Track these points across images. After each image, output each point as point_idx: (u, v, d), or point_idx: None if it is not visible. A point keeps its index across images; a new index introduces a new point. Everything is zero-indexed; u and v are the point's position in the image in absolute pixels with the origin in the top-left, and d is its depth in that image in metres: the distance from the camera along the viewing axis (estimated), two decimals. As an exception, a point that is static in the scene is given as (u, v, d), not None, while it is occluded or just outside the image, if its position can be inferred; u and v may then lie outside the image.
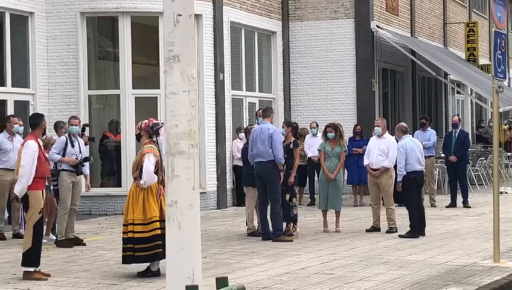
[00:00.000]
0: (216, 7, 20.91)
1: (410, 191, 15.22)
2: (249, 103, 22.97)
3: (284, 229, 14.80)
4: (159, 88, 18.60)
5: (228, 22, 21.57)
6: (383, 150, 15.70)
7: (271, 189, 14.58)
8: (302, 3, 24.93)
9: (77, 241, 14.12)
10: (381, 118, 17.36)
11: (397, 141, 15.74)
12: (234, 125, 21.62)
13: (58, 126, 15.47)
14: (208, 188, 20.43)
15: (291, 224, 15.08)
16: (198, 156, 7.50)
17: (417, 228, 15.03)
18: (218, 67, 20.87)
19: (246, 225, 15.50)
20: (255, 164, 14.64)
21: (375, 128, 15.97)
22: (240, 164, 17.97)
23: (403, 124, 16.25)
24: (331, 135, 15.98)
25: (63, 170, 13.94)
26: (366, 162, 15.98)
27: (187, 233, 7.07)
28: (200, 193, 19.68)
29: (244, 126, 20.78)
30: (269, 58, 24.40)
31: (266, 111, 15.22)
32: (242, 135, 20.46)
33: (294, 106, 24.89)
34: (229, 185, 21.23)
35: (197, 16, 20.07)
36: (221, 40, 21.05)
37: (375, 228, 15.74)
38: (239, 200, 20.44)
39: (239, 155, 19.32)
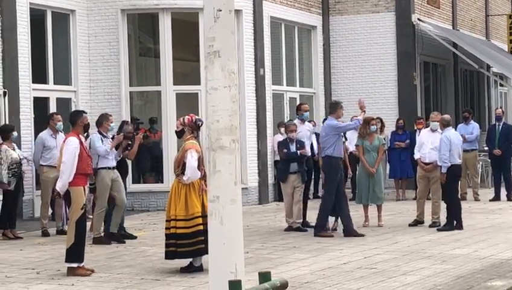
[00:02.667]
0: (256, 2, 20.90)
1: (451, 183, 15.16)
2: (289, 97, 22.94)
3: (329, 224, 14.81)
4: (199, 84, 18.62)
5: (268, 17, 21.55)
6: (437, 145, 15.62)
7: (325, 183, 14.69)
8: (342, -4, 24.85)
9: (129, 236, 14.22)
10: (438, 113, 17.10)
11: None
12: (275, 121, 21.60)
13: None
14: (250, 183, 20.44)
15: (334, 218, 15.02)
16: (240, 151, 7.50)
17: (456, 221, 14.99)
18: (259, 63, 20.87)
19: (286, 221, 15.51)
20: None
21: (432, 122, 15.83)
22: (281, 158, 17.96)
23: (446, 116, 16.17)
24: (373, 127, 15.95)
25: (102, 168, 13.90)
26: (417, 155, 15.85)
27: (229, 228, 7.06)
28: (242, 188, 19.54)
29: (285, 121, 20.76)
30: (309, 53, 24.34)
31: (331, 107, 15.03)
32: (283, 129, 20.46)
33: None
34: (271, 180, 21.22)
35: (237, 11, 20.05)
36: (261, 35, 21.04)
37: (418, 222, 15.63)
38: (280, 195, 20.40)
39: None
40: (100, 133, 14.03)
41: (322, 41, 24.52)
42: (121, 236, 14.14)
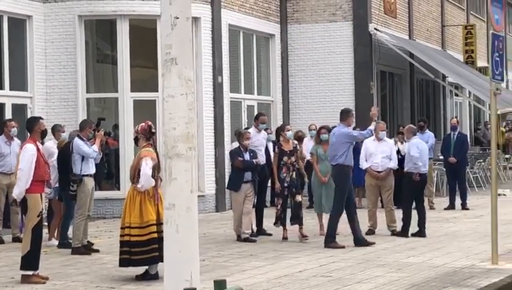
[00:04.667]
0: (214, 10, 20.91)
1: (411, 190, 15.37)
2: (247, 105, 22.98)
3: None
4: (157, 91, 18.56)
5: (226, 25, 21.58)
6: (387, 153, 15.77)
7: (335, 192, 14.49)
8: (300, 6, 24.95)
9: (89, 246, 14.04)
10: (383, 122, 17.35)
11: (397, 143, 15.85)
12: (233, 128, 21.61)
13: (55, 129, 15.43)
14: (207, 191, 20.42)
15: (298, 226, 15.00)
16: (197, 158, 7.50)
17: (408, 229, 15.29)
18: (217, 70, 20.88)
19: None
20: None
21: (381, 132, 15.93)
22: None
23: (413, 126, 16.54)
24: (324, 136, 15.88)
25: (85, 175, 13.65)
26: (366, 165, 15.95)
27: (185, 236, 7.07)
28: (199, 195, 19.67)
29: (243, 129, 20.81)
30: (267, 61, 24.42)
31: (342, 114, 14.52)
32: (240, 137, 20.48)
33: (292, 108, 24.89)
34: (227, 188, 21.21)
35: (195, 19, 20.06)
36: (219, 42, 21.05)
37: (371, 231, 15.72)
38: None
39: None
40: (81, 138, 13.84)
41: (280, 49, 24.61)
42: (85, 247, 13.96)
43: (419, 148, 15.45)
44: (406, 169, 15.57)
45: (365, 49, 24.45)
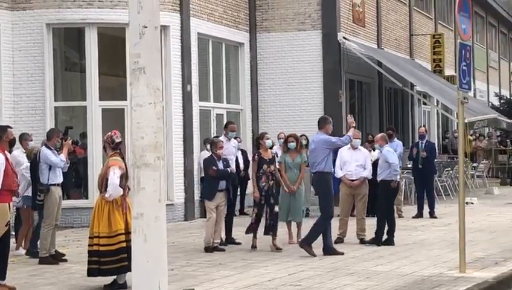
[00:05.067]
0: (183, 18, 20.90)
1: (387, 199, 15.50)
2: (216, 114, 22.97)
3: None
4: (126, 99, 18.49)
5: (196, 33, 21.57)
6: (361, 161, 15.83)
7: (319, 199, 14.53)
8: (269, 14, 25.00)
9: (59, 256, 13.92)
10: (358, 131, 17.39)
11: (373, 150, 15.89)
12: (202, 137, 21.59)
13: (23, 138, 15.32)
14: (176, 199, 20.37)
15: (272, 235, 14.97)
16: (165, 168, 7.48)
17: (381, 237, 15.31)
18: (186, 79, 20.86)
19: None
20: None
21: (355, 140, 15.95)
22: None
23: (385, 134, 16.85)
24: (292, 145, 15.86)
25: (52, 184, 13.56)
26: (341, 174, 15.96)
27: (153, 246, 7.04)
28: (168, 204, 19.62)
29: (212, 138, 20.80)
30: (237, 70, 24.43)
31: (320, 122, 14.63)
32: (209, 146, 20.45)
33: (261, 117, 24.91)
34: (197, 197, 21.17)
35: (164, 27, 20.04)
36: (188, 51, 21.03)
37: (340, 239, 15.72)
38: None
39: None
40: (48, 147, 13.73)
41: (249, 58, 24.64)
42: (53, 257, 13.85)
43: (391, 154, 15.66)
44: (381, 177, 15.61)
45: (334, 57, 24.54)
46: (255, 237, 15.02)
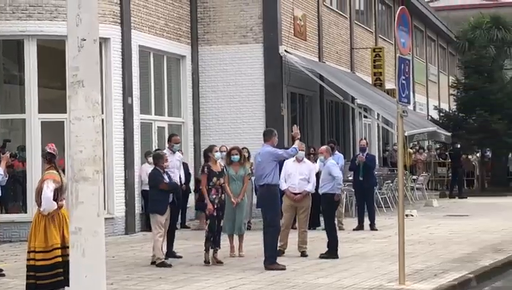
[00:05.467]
0: (124, 31, 20.80)
1: (330, 212, 15.54)
2: (158, 127, 22.88)
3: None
4: (66, 112, 18.27)
5: (137, 46, 21.47)
6: (305, 175, 15.85)
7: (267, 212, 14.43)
8: (211, 27, 25.00)
9: None
10: (303, 143, 17.47)
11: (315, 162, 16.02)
12: (143, 150, 21.47)
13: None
14: (116, 213, 20.21)
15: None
16: (104, 181, 7.42)
17: (336, 249, 15.37)
18: (127, 91, 20.74)
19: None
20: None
21: (300, 152, 15.99)
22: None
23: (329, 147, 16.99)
24: (235, 157, 15.89)
25: None
26: (285, 186, 15.94)
27: (92, 260, 6.97)
28: (108, 218, 19.49)
29: (153, 151, 20.73)
30: (178, 82, 24.38)
31: (266, 134, 14.70)
32: (151, 159, 20.32)
33: (203, 130, 24.88)
34: (138, 210, 21.05)
35: (105, 40, 19.93)
36: (129, 64, 20.93)
37: (281, 251, 15.69)
38: (148, 226, 20.21)
39: (148, 180, 19.18)
40: None
41: (191, 70, 24.61)
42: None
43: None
44: (324, 190, 15.66)
45: (275, 71, 24.63)
46: (207, 251, 14.76)
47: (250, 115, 24.69)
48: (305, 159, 16.36)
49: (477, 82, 34.67)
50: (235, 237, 15.95)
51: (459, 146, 33.51)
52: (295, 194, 15.78)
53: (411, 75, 13.38)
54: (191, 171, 22.45)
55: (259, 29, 24.73)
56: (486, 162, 36.87)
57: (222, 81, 24.93)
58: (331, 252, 15.37)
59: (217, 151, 15.61)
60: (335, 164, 15.95)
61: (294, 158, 15.80)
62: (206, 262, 14.60)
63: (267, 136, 14.58)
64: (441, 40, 53.55)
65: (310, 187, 15.91)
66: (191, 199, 21.91)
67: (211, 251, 14.73)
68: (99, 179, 7.11)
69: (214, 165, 15.07)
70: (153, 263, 14.67)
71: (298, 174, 15.89)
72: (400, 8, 13.11)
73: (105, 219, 19.09)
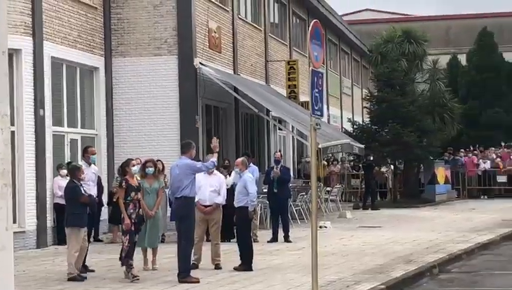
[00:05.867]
0: (36, 42, 20.51)
1: (247, 224, 15.62)
2: (70, 139, 22.59)
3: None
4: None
5: (49, 57, 21.18)
6: (216, 187, 15.83)
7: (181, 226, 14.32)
8: (124, 39, 24.84)
9: None
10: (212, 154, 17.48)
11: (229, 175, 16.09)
12: (55, 162, 21.17)
13: None
14: (27, 227, 19.87)
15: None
16: (15, 194, 7.28)
17: (251, 261, 15.38)
18: (39, 103, 20.43)
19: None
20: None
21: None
22: (62, 201, 17.53)
23: (245, 159, 16.87)
24: (150, 170, 15.77)
25: None
26: (196, 198, 15.90)
27: (-1, 276, 6.81)
28: (19, 231, 19.17)
29: (65, 163, 20.52)
30: (91, 94, 24.13)
31: (184, 147, 14.71)
32: (63, 171, 20.07)
33: (117, 142, 24.67)
34: (50, 224, 20.72)
35: (16, 51, 19.64)
36: (41, 75, 20.63)
37: (195, 265, 15.60)
38: (60, 239, 19.94)
39: (60, 193, 18.96)
40: None
41: (105, 82, 24.38)
42: None
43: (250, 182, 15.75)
44: (239, 204, 15.65)
45: (190, 83, 24.59)
46: (131, 266, 14.42)
47: (165, 127, 24.59)
48: (216, 171, 16.34)
49: (390, 95, 35.18)
50: (149, 250, 15.83)
51: (371, 158, 33.94)
52: (205, 206, 15.76)
53: (324, 88, 13.51)
54: (105, 184, 22.22)
55: (174, 41, 24.68)
56: (399, 174, 37.44)
57: (136, 93, 24.77)
58: (245, 264, 15.37)
59: (134, 165, 15.49)
60: (252, 178, 15.94)
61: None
62: (135, 277, 14.24)
63: (185, 149, 14.59)
64: (354, 54, 54.29)
65: (220, 199, 15.90)
66: (104, 212, 21.67)
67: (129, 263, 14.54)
68: (7, 192, 6.96)
69: (131, 179, 14.93)
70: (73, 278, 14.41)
71: (208, 186, 15.88)
72: (313, 21, 13.24)
73: (16, 232, 18.85)
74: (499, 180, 38.99)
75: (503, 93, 48.47)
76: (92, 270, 15.36)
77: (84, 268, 15.24)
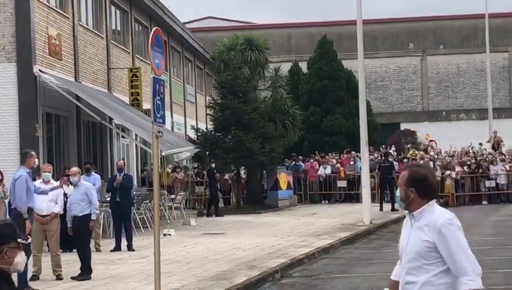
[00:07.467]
0: None
1: (88, 233, 15.53)
2: None
3: None
4: None
5: None
6: (53, 196, 15.57)
7: None
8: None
9: None
10: (48, 164, 17.24)
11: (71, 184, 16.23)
12: None
13: None
14: None
15: None
16: None
17: (90, 269, 15.20)
18: None
19: None
20: None
21: (45, 173, 15.68)
22: None
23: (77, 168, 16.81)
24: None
25: None
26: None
27: None
28: None
29: None
30: None
31: (22, 157, 14.65)
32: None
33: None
34: None
35: None
36: None
37: (35, 276, 15.30)
38: None
39: None
40: None
41: None
42: None
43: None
44: (81, 213, 15.50)
45: (30, 91, 24.09)
46: None
47: (4, 136, 24.00)
48: (52, 181, 16.07)
49: (233, 102, 35.44)
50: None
51: (213, 165, 34.14)
52: (43, 216, 15.48)
53: (167, 95, 13.52)
54: None
55: (12, 48, 24.10)
56: (242, 180, 37.76)
57: (-27, 101, 24.03)
58: (84, 273, 15.18)
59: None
60: (94, 188, 15.79)
61: (41, 179, 15.63)
62: None
63: (23, 158, 14.54)
64: (198, 61, 54.47)
65: (58, 209, 15.71)
66: None
67: None
68: None
69: None
70: None
71: (45, 196, 15.62)
72: (154, 28, 13.22)
73: None
74: (339, 185, 39.95)
75: (343, 100, 49.63)
76: None
77: None
